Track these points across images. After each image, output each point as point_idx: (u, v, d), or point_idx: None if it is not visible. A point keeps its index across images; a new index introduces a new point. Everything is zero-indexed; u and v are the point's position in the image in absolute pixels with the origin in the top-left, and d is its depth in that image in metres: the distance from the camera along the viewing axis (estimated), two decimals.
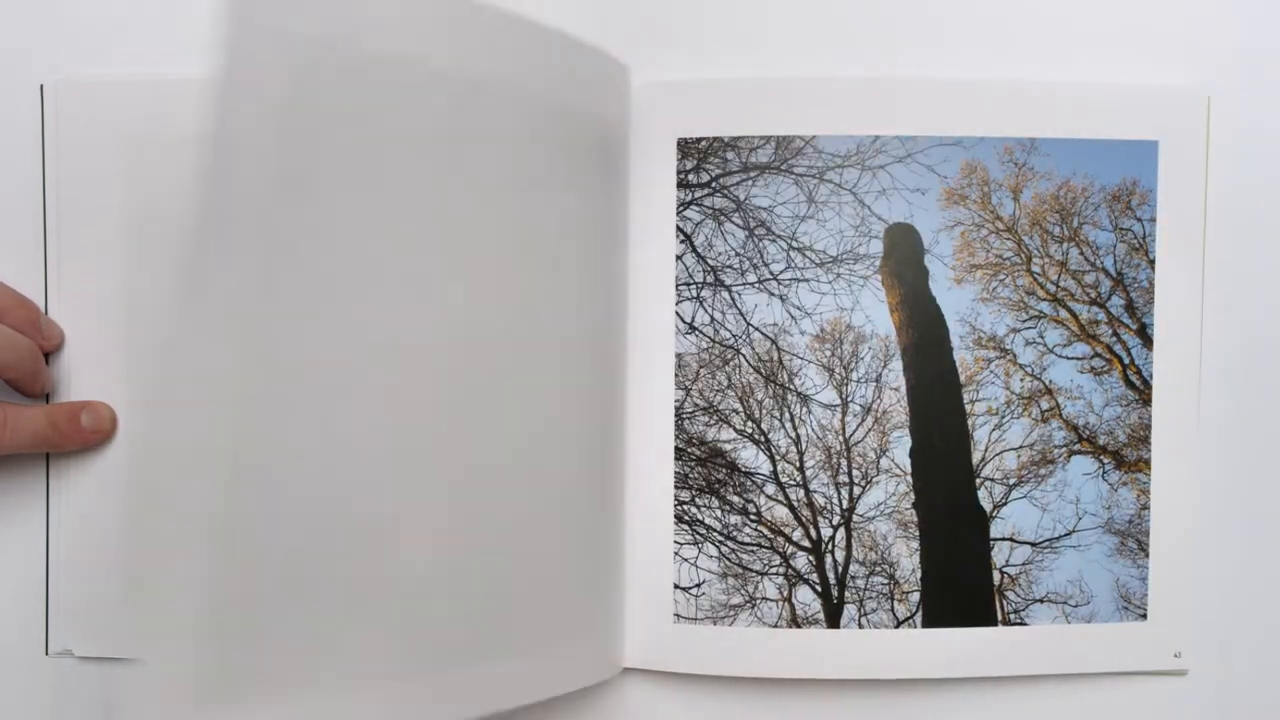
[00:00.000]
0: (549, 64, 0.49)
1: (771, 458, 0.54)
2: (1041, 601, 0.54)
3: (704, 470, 0.54)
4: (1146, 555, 0.54)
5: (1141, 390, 0.54)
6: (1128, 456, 0.54)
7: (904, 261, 0.54)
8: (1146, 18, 0.55)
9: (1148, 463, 0.54)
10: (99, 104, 0.52)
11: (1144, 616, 0.54)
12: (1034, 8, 0.54)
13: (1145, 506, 0.54)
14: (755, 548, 0.54)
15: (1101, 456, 0.55)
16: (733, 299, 0.53)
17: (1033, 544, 0.54)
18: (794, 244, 0.53)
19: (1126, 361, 0.55)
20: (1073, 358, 0.55)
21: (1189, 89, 0.54)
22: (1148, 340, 0.54)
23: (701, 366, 0.53)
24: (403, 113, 0.48)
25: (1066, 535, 0.54)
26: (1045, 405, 0.54)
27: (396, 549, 0.50)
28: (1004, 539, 0.54)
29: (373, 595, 0.49)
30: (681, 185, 0.53)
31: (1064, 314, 0.54)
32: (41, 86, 0.53)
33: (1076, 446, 0.55)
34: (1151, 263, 0.54)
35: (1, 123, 0.54)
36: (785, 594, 0.54)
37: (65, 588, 0.54)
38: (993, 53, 0.54)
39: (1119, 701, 0.55)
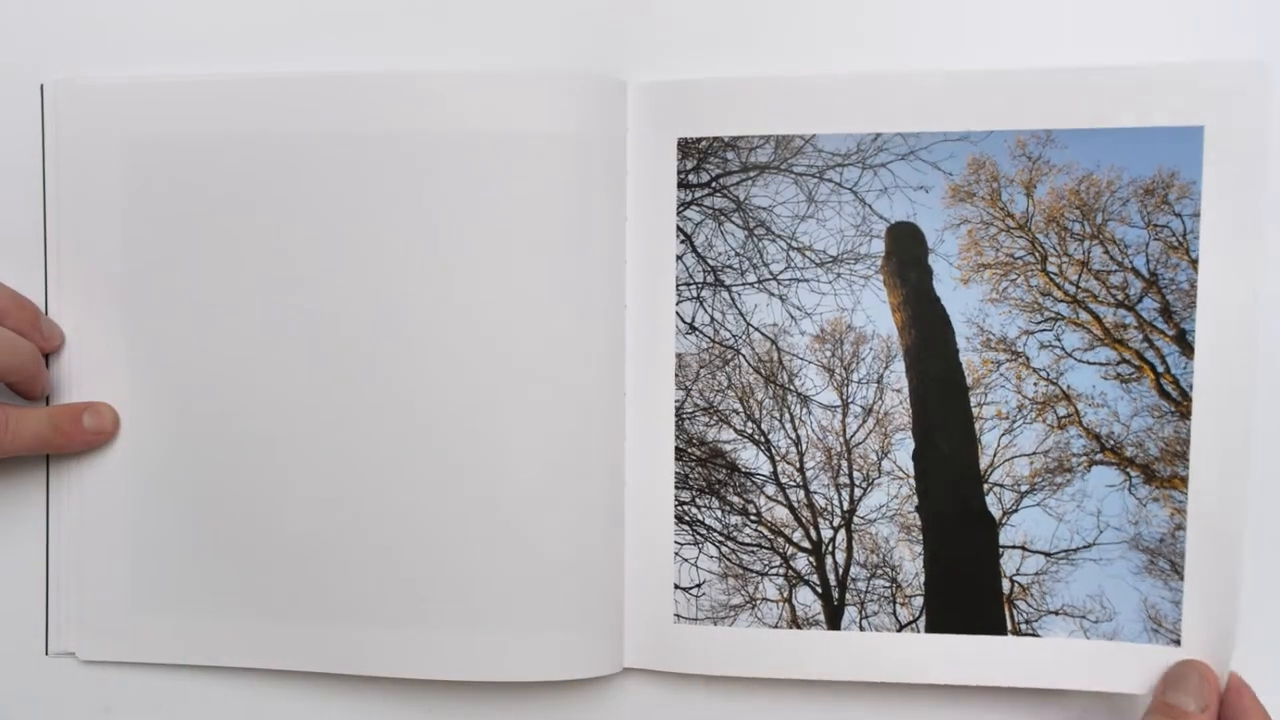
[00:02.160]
0: (531, 106, 0.51)
1: (771, 458, 0.53)
2: (1056, 614, 0.52)
3: (704, 470, 0.53)
4: (1180, 578, 0.51)
5: (1179, 401, 0.51)
6: (1160, 471, 0.51)
7: (906, 261, 0.52)
8: None
9: (1184, 479, 0.51)
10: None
11: (1177, 642, 0.51)
12: None
13: (1180, 526, 0.51)
14: (755, 548, 0.53)
15: (1128, 469, 0.52)
16: (733, 299, 0.53)
17: (1046, 554, 0.52)
18: (794, 244, 0.53)
19: (1160, 369, 0.52)
20: (1095, 363, 0.52)
21: (1239, 66, 0.50)
22: (1187, 347, 0.51)
23: (701, 367, 0.53)
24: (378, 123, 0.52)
25: (1086, 548, 0.52)
26: (1062, 411, 0.52)
27: (389, 527, 0.53)
28: (1014, 547, 0.52)
29: (362, 560, 0.53)
30: (681, 185, 0.53)
31: (1085, 316, 0.52)
32: (42, 86, 0.54)
33: (1098, 456, 0.52)
34: (1194, 262, 0.51)
35: (1, 123, 0.54)
36: (785, 595, 0.53)
37: (65, 588, 0.55)
38: (1002, 39, 0.52)
39: None
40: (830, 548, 0.53)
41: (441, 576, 0.53)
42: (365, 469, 0.53)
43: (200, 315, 0.53)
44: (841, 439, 0.53)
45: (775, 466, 0.53)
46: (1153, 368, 0.52)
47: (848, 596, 0.53)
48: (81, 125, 0.53)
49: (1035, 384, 0.52)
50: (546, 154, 0.52)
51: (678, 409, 0.53)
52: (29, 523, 0.55)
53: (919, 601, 0.52)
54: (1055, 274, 0.52)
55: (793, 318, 0.53)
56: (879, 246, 0.53)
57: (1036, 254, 0.52)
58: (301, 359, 0.53)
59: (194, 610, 0.54)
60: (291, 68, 0.54)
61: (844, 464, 0.53)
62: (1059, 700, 0.53)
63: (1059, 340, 0.52)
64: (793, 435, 0.53)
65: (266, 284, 0.53)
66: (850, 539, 0.53)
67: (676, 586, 0.54)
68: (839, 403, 0.53)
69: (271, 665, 0.54)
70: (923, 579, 0.52)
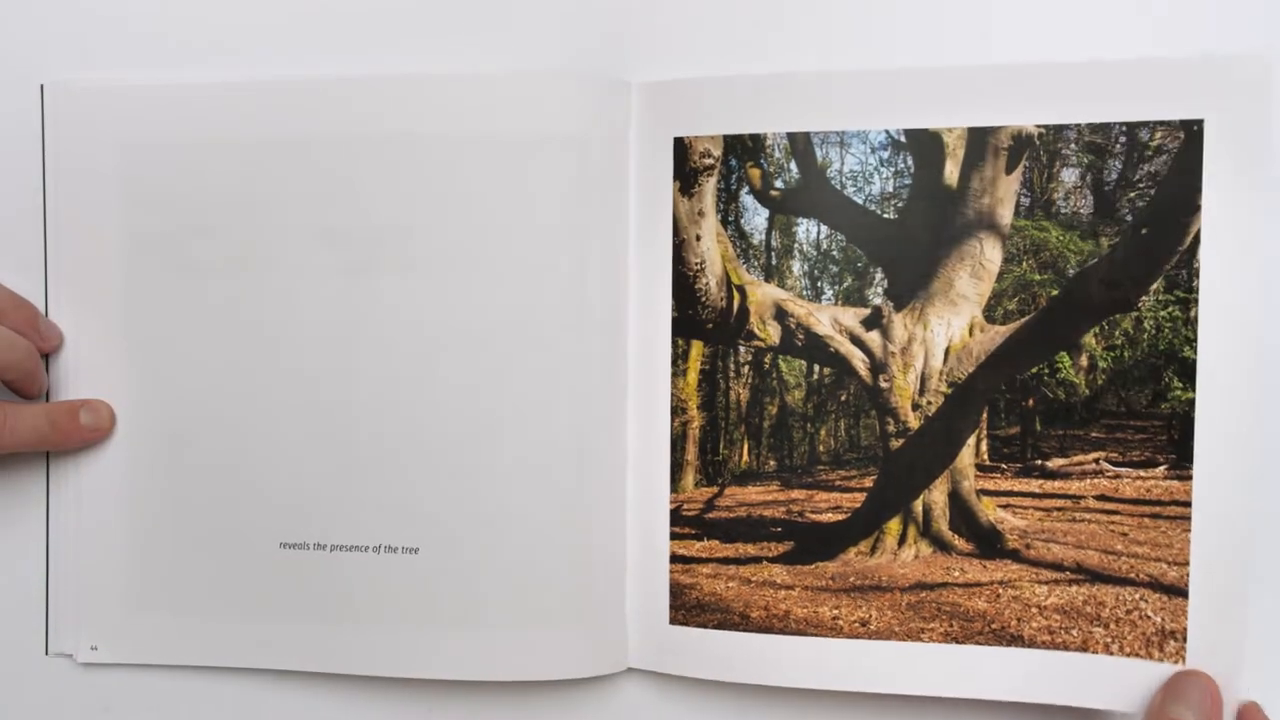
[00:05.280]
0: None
1: None
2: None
3: None
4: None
5: None
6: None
7: None
8: None
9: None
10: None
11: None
12: None
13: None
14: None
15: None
16: None
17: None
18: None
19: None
20: None
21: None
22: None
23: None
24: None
25: None
26: None
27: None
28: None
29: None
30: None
31: None
32: (42, 86, 0.54)
33: None
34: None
35: (1, 123, 0.54)
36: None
37: (65, 588, 0.55)
38: (995, 38, 0.51)
39: None
40: None
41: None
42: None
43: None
44: None
45: None
46: None
47: None
48: (81, 125, 0.54)
49: None
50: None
51: None
52: (29, 523, 0.56)
53: None
54: None
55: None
56: None
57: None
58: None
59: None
60: (291, 71, 0.54)
61: None
62: (1058, 715, 0.52)
63: None
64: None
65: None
66: None
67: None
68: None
69: (271, 665, 0.54)
70: None
